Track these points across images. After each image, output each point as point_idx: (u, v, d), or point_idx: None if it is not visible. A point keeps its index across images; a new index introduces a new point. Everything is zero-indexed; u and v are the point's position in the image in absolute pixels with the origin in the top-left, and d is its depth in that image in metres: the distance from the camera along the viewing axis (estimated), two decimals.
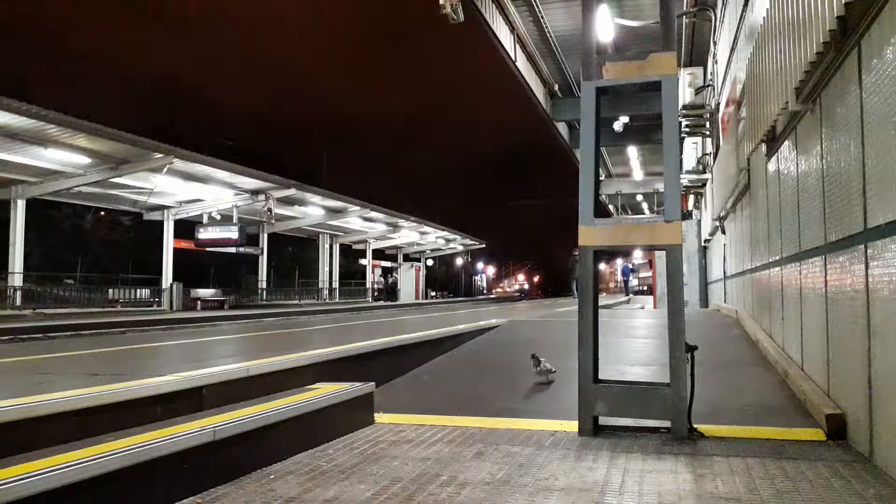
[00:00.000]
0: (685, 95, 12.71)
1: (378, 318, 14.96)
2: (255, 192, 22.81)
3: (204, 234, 23.67)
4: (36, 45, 50.43)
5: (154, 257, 25.15)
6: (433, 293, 51.34)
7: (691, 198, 19.09)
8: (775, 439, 3.33)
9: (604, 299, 24.41)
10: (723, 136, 10.17)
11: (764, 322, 6.57)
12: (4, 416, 2.81)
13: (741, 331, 7.83)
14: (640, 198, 31.88)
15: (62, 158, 16.60)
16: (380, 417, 3.98)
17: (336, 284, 34.61)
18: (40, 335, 11.47)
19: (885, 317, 2.65)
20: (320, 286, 33.74)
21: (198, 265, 34.85)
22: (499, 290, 78.86)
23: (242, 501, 2.53)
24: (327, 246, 33.69)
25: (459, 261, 65.14)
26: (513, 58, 18.26)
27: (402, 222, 33.77)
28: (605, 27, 14.35)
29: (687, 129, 13.28)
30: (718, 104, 12.00)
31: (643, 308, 19.45)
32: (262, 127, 65.71)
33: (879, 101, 2.68)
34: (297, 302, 30.27)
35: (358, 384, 3.89)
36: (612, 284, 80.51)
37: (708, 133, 13.72)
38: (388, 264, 42.07)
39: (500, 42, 17.07)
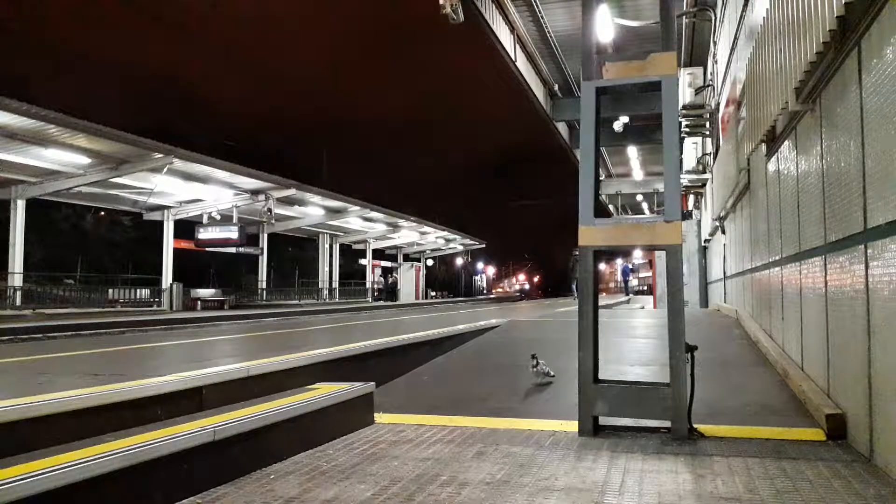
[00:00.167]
0: (685, 95, 12.71)
1: (378, 318, 14.96)
2: (254, 192, 22.81)
3: (204, 234, 23.67)
4: (36, 46, 50.45)
5: (154, 257, 25.14)
6: (433, 293, 51.35)
7: (691, 198, 19.09)
8: (775, 439, 3.33)
9: (604, 299, 24.42)
10: (723, 136, 10.17)
11: (764, 322, 6.57)
12: (5, 416, 2.81)
13: (741, 331, 7.83)
14: (640, 198, 31.87)
15: (62, 158, 16.59)
16: (380, 417, 3.98)
17: (336, 284, 34.61)
18: (40, 335, 11.48)
19: (885, 317, 2.65)
20: (320, 286, 33.74)
21: (198, 265, 34.83)
22: (499, 290, 78.91)
23: (242, 501, 2.53)
24: (327, 246, 33.69)
25: (459, 261, 65.15)
26: (513, 58, 18.26)
27: (402, 222, 33.77)
28: (605, 27, 14.34)
29: (687, 129, 13.28)
30: (718, 104, 12.00)
31: (643, 308, 19.46)
32: (262, 127, 65.74)
33: (879, 101, 2.68)
34: (297, 302, 30.27)
35: (358, 384, 3.89)
36: (612, 284, 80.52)
37: (708, 133, 13.73)
38: (388, 264, 42.06)
39: (500, 42, 17.07)
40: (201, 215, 23.66)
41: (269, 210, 23.28)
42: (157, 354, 6.31)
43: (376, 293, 37.51)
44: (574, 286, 37.74)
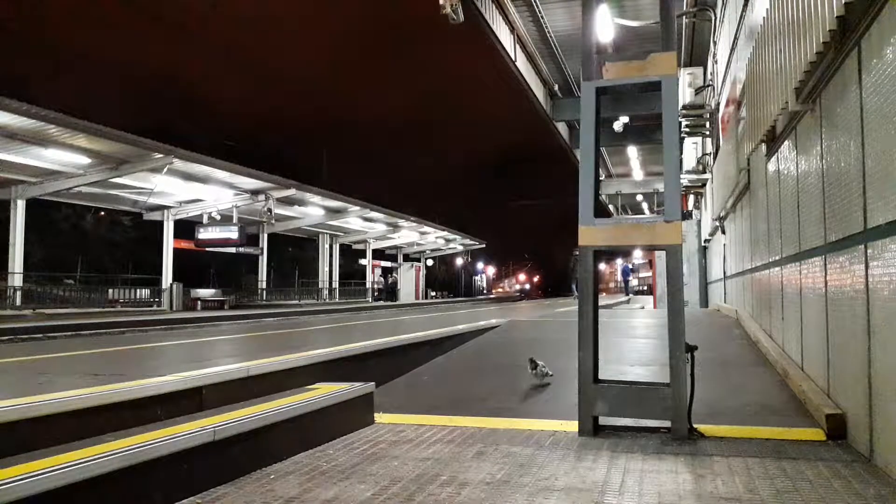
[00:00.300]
0: (685, 95, 12.71)
1: (378, 318, 14.96)
2: (254, 193, 22.81)
3: (204, 234, 23.68)
4: (36, 46, 50.45)
5: (154, 257, 25.14)
6: (433, 293, 51.35)
7: (691, 198, 19.09)
8: (775, 439, 3.33)
9: (604, 299, 24.42)
10: (723, 136, 10.17)
11: (764, 322, 6.57)
12: (5, 416, 2.81)
13: (741, 331, 7.83)
14: (640, 198, 31.86)
15: (62, 158, 16.59)
16: (380, 417, 3.97)
17: (336, 284, 34.61)
18: (40, 335, 11.48)
19: (885, 317, 2.65)
20: (320, 286, 33.74)
21: (198, 265, 34.84)
22: (499, 290, 78.90)
23: (242, 501, 2.53)
24: (327, 246, 33.69)
25: (459, 261, 65.15)
26: (513, 58, 18.25)
27: (402, 222, 33.77)
28: (605, 27, 14.33)
29: (687, 129, 13.28)
30: (718, 104, 12.00)
31: (643, 308, 19.46)
32: (262, 127, 65.75)
33: (879, 101, 2.68)
34: (297, 302, 30.27)
35: (358, 384, 3.89)
36: (612, 284, 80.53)
37: (708, 133, 13.72)
38: (388, 264, 42.06)
39: (500, 42, 17.07)
40: (201, 215, 23.67)
41: (269, 210, 23.28)
42: (156, 354, 6.31)
43: (376, 293, 37.51)
44: (574, 286, 37.75)
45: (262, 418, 3.04)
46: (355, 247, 37.42)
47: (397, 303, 34.67)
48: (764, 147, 5.75)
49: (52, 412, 2.99)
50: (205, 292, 27.31)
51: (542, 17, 17.72)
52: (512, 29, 17.99)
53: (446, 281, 67.14)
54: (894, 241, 2.53)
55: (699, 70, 14.11)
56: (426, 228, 37.90)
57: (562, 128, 25.60)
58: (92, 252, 36.63)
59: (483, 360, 6.49)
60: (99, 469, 2.25)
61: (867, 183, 2.85)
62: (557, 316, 12.31)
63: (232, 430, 2.84)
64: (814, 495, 2.49)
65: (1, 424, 2.77)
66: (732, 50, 9.50)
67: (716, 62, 12.82)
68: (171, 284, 22.81)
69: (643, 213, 32.39)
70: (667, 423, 3.44)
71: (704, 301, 16.69)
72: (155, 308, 22.03)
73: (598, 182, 3.96)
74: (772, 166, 5.61)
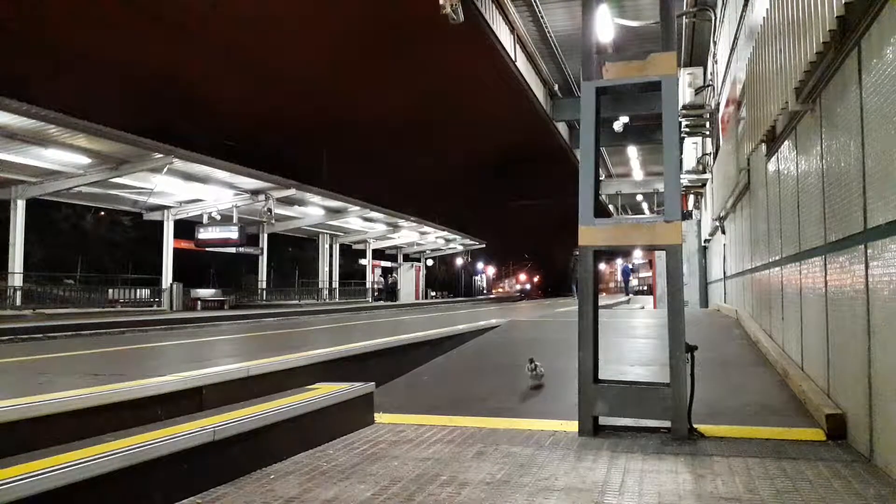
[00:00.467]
0: (685, 95, 12.71)
1: (378, 318, 14.96)
2: (254, 193, 22.81)
3: (204, 234, 23.67)
4: (36, 46, 50.44)
5: (154, 257, 25.14)
6: (433, 293, 51.34)
7: (691, 198, 19.09)
8: (775, 439, 3.33)
9: (604, 299, 24.42)
10: (723, 136, 10.17)
11: (764, 322, 6.57)
12: (5, 416, 2.81)
13: (741, 331, 7.83)
14: (640, 198, 31.86)
15: (62, 158, 16.59)
16: (380, 417, 3.98)
17: (336, 284, 34.61)
18: (40, 335, 11.48)
19: (885, 317, 2.65)
20: (320, 286, 33.74)
21: (198, 265, 34.83)
22: (499, 290, 78.90)
23: (242, 501, 2.53)
24: (327, 246, 33.69)
25: (459, 261, 65.15)
26: (513, 58, 18.25)
27: (402, 222, 33.77)
28: (605, 27, 14.33)
29: (687, 129, 13.28)
30: (718, 104, 12.00)
31: (643, 308, 19.46)
32: (262, 127, 65.75)
33: (879, 101, 2.68)
34: (297, 302, 30.27)
35: (358, 384, 3.89)
36: (612, 284, 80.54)
37: (708, 133, 13.72)
38: (388, 264, 42.06)
39: (500, 42, 17.07)
40: (201, 215, 23.66)
41: (269, 210, 23.28)
42: (157, 354, 6.31)
43: (376, 293, 37.51)
44: (574, 286, 37.75)
45: (262, 418, 3.04)
46: (355, 247, 37.42)
47: (397, 303, 34.67)
48: (764, 147, 5.75)
49: (52, 412, 2.99)
50: (205, 292, 27.31)
51: (542, 17, 17.72)
52: (512, 29, 17.99)
53: (446, 281, 67.14)
54: (894, 241, 2.53)
55: (699, 70, 14.11)
56: (426, 228, 37.90)
57: (562, 128, 25.60)
58: (92, 252, 36.63)
59: (483, 360, 6.49)
60: (99, 469, 2.25)
61: (867, 183, 2.85)
62: (557, 316, 12.31)
63: (232, 430, 2.84)
64: (814, 495, 2.49)
65: (1, 424, 2.77)
66: (732, 50, 9.50)
67: (716, 62, 12.82)
68: (171, 284, 22.81)
69: (643, 213, 32.40)
70: (667, 423, 3.44)
71: (704, 301, 16.69)
72: (155, 308, 22.03)
73: (598, 182, 3.96)
74: (772, 166, 5.61)
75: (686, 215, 19.36)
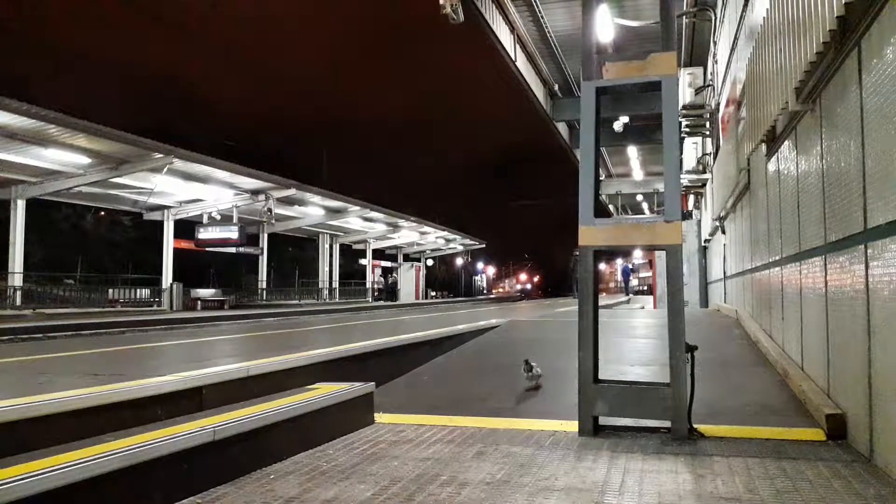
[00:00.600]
0: (685, 95, 12.71)
1: (378, 318, 14.96)
2: (255, 192, 22.82)
3: (204, 234, 23.67)
4: (36, 46, 50.44)
5: (154, 257, 25.14)
6: (433, 293, 51.36)
7: (691, 198, 19.10)
8: (775, 439, 3.33)
9: (604, 299, 24.42)
10: (723, 136, 10.17)
11: (764, 322, 6.57)
12: (5, 416, 2.81)
13: (741, 331, 7.83)
14: (640, 198, 31.87)
15: (62, 158, 16.60)
16: (380, 417, 3.98)
17: (336, 284, 34.61)
18: (40, 335, 11.48)
19: (885, 317, 2.65)
20: (320, 286, 33.74)
21: (198, 265, 34.82)
22: (499, 290, 78.92)
23: (242, 501, 2.53)
24: (327, 246, 33.69)
25: (459, 261, 65.15)
26: (513, 58, 18.25)
27: (402, 222, 33.77)
28: (605, 27, 14.34)
29: (687, 129, 13.28)
30: (718, 104, 12.00)
31: (643, 308, 19.46)
32: (262, 127, 65.74)
33: (879, 101, 2.68)
34: (297, 302, 30.27)
35: (358, 384, 3.89)
36: (612, 284, 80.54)
37: (708, 133, 13.72)
38: (388, 264, 42.06)
39: (500, 42, 17.07)
40: (201, 215, 23.67)
41: (269, 210, 23.28)
42: (156, 354, 6.31)
43: (376, 293, 37.51)
44: (575, 286, 37.76)
45: (262, 418, 3.04)
46: (355, 247, 37.42)
47: (397, 303, 34.67)
48: (764, 147, 5.75)
49: (52, 412, 2.99)
50: (205, 292, 27.31)
51: (542, 17, 17.72)
52: (512, 29, 17.99)
53: (446, 281, 67.14)
54: (894, 241, 2.53)
55: (699, 70, 14.11)
56: (426, 228, 37.90)
57: (562, 128, 25.60)
58: (92, 252, 36.63)
59: (483, 360, 6.49)
60: (99, 469, 2.25)
61: (867, 183, 2.85)
62: (557, 316, 12.31)
63: (232, 430, 2.84)
64: (814, 495, 2.49)
65: (1, 424, 2.77)
66: (732, 50, 9.50)
67: (716, 62, 12.82)
68: (171, 284, 22.81)
69: (643, 213, 32.40)
70: (667, 423, 3.44)
71: (704, 301, 16.69)
72: (155, 308, 22.03)
73: (598, 182, 3.96)
74: (772, 166, 5.61)
75: (686, 215, 19.37)
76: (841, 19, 2.92)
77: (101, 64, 54.78)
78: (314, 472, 2.91)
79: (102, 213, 36.62)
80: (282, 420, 3.15)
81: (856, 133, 2.98)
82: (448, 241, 44.41)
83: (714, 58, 13.10)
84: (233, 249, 25.65)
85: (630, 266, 48.04)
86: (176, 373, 4.05)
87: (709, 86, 13.54)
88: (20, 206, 18.28)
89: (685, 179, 15.10)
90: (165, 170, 17.91)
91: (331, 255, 34.19)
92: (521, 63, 19.28)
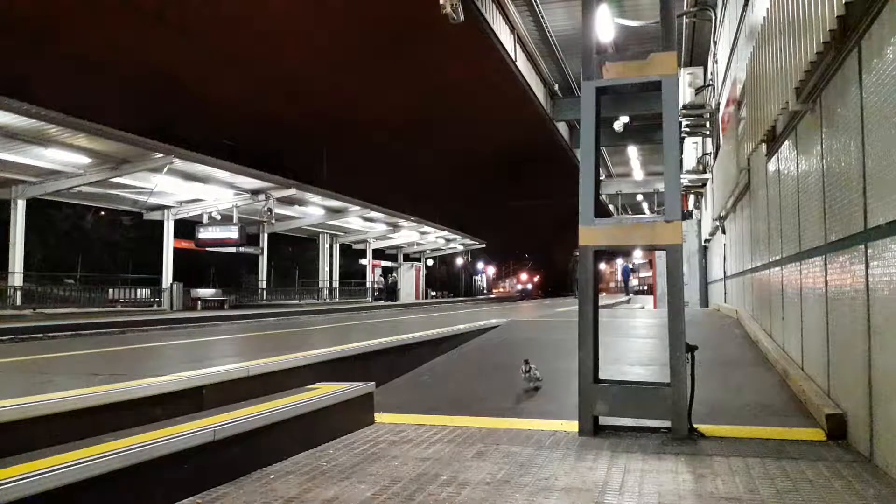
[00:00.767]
0: (685, 95, 12.72)
1: (378, 318, 14.96)
2: (255, 192, 22.82)
3: (204, 234, 23.67)
4: (36, 46, 50.43)
5: (154, 257, 25.15)
6: (433, 293, 51.35)
7: (691, 198, 19.10)
8: (775, 439, 3.33)
9: (604, 299, 24.41)
10: (723, 136, 10.17)
11: (764, 322, 6.57)
12: (4, 416, 2.81)
13: (741, 331, 7.82)
14: (640, 198, 31.89)
15: (62, 158, 16.60)
16: (380, 417, 3.97)
17: (336, 284, 34.61)
18: (40, 335, 11.48)
19: (885, 317, 2.65)
20: (320, 286, 33.75)
21: (198, 265, 34.84)
22: (499, 290, 78.90)
23: (242, 501, 2.53)
24: (327, 246, 33.69)
25: (459, 261, 65.16)
26: (513, 58, 18.25)
27: (402, 222, 33.78)
28: (605, 27, 14.34)
29: (687, 129, 13.29)
30: (718, 104, 12.00)
31: (643, 308, 19.45)
32: (262, 127, 65.75)
33: (880, 101, 2.68)
34: (297, 302, 30.28)
35: (358, 384, 3.89)
36: (612, 284, 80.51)
37: (708, 133, 13.73)
38: (388, 264, 42.06)
39: (500, 42, 17.06)
40: (201, 215, 23.67)
41: (270, 210, 23.29)
42: (157, 354, 6.30)
43: (376, 293, 37.51)
44: (575, 286, 37.77)
45: (262, 418, 3.04)
46: (355, 247, 37.43)
47: (397, 303, 34.67)
48: (764, 147, 5.75)
49: (52, 412, 2.99)
50: (205, 292, 27.30)
51: (542, 16, 17.72)
52: (512, 29, 17.99)
53: (446, 281, 67.14)
54: (894, 241, 2.53)
55: (699, 70, 14.12)
56: (426, 228, 37.91)
57: (562, 128, 25.60)
58: (92, 252, 36.64)
59: (483, 360, 6.49)
60: (99, 469, 2.25)
61: (867, 183, 2.85)
62: (557, 316, 12.31)
63: (232, 430, 2.84)
64: (814, 495, 2.49)
65: (1, 424, 2.77)
66: (732, 50, 9.50)
67: (716, 62, 12.82)
68: (172, 284, 22.81)
69: (643, 213, 32.41)
70: (667, 423, 3.44)
71: (705, 301, 16.69)
72: (155, 308, 22.03)
73: (598, 182, 3.96)
74: (772, 166, 5.61)
75: (686, 215, 19.37)
76: (841, 19, 2.92)
77: (101, 64, 54.80)
78: (314, 471, 2.91)
79: (102, 212, 36.63)
80: (282, 420, 3.15)
81: (856, 133, 2.98)
82: (448, 240, 44.42)
83: (714, 58, 13.10)
84: (233, 249, 25.64)
85: (630, 266, 48.03)
86: (176, 373, 4.05)
87: (709, 86, 13.54)
88: (20, 206, 18.28)
89: (685, 179, 15.11)
90: (165, 170, 17.91)
91: (331, 255, 34.20)
92: (522, 63, 19.28)
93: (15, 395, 3.16)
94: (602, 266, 69.93)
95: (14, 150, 15.56)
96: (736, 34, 8.93)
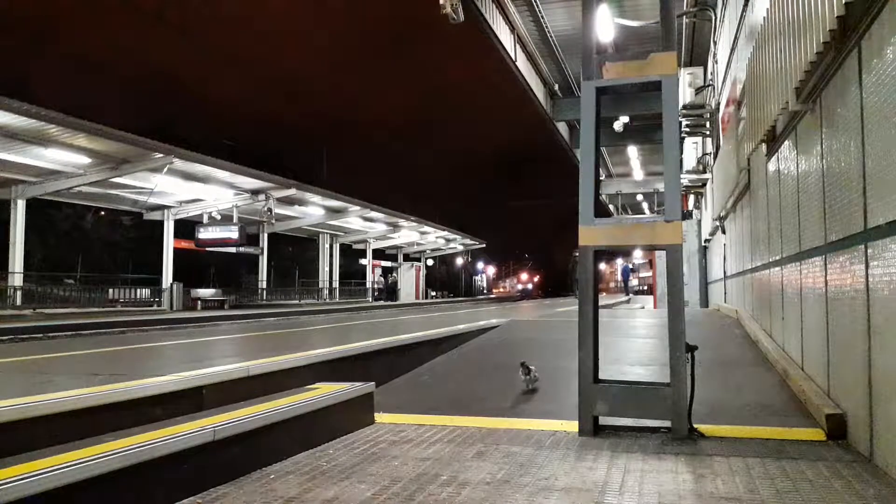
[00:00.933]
0: (685, 95, 12.72)
1: (378, 318, 14.95)
2: (255, 192, 22.82)
3: (204, 233, 23.67)
4: (36, 46, 50.43)
5: (154, 257, 25.15)
6: (433, 293, 51.36)
7: (691, 198, 19.10)
8: (775, 439, 3.33)
9: (604, 299, 24.41)
10: (723, 136, 10.17)
11: (764, 322, 6.57)
12: (4, 416, 2.81)
13: (741, 331, 7.82)
14: (640, 198, 31.90)
15: (62, 158, 16.60)
16: (380, 417, 3.97)
17: (336, 284, 34.61)
18: (40, 335, 11.48)
19: (885, 317, 2.65)
20: (320, 286, 33.75)
21: (198, 265, 34.84)
22: (499, 289, 78.89)
23: (242, 501, 2.53)
24: (327, 246, 33.69)
25: (460, 261, 65.15)
26: (513, 58, 18.26)
27: (402, 222, 33.78)
28: (605, 27, 14.35)
29: (687, 129, 13.29)
30: (718, 104, 12.00)
31: (643, 308, 19.45)
32: (262, 127, 65.73)
33: (880, 101, 2.68)
34: (297, 302, 30.28)
35: (358, 384, 3.89)
36: (612, 284, 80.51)
37: (708, 133, 13.73)
38: (388, 264, 42.07)
39: (500, 42, 17.07)
40: (201, 215, 23.67)
41: (270, 210, 23.28)
42: (157, 354, 6.30)
43: (376, 293, 37.51)
44: (575, 286, 37.79)
45: (262, 418, 3.04)
46: (355, 247, 37.43)
47: (397, 303, 34.68)
48: (764, 147, 5.75)
49: (52, 412, 2.99)
50: (205, 292, 27.30)
51: (542, 16, 17.72)
52: (512, 29, 17.99)
53: (446, 281, 67.13)
54: (894, 241, 2.53)
55: (699, 70, 14.12)
56: (426, 228, 37.91)
57: (562, 128, 25.61)
58: (92, 252, 36.64)
59: (483, 360, 6.49)
60: (99, 469, 2.25)
61: (867, 183, 2.85)
62: (557, 316, 12.31)
63: (232, 430, 2.84)
64: (814, 495, 2.49)
65: (1, 424, 2.77)
66: (732, 50, 9.50)
67: (716, 62, 12.82)
68: (171, 284, 22.81)
69: (643, 213, 32.41)
70: (667, 423, 3.44)
71: (705, 301, 16.69)
72: (155, 308, 22.03)
73: (598, 182, 3.96)
74: (772, 166, 5.61)
75: (686, 215, 19.37)
76: (841, 19, 2.92)
77: (101, 64, 54.80)
78: (314, 471, 2.91)
79: (102, 212, 36.63)
80: (282, 420, 3.15)
81: (856, 133, 2.98)
82: (448, 240, 44.42)
83: (714, 58, 13.10)
84: (233, 249, 25.64)
85: (630, 266, 48.03)
86: (176, 373, 4.05)
87: (709, 86, 13.54)
88: (20, 205, 18.28)
89: (685, 179, 15.11)
90: (165, 169, 17.91)
91: (331, 255, 34.20)
92: (522, 63, 19.28)
93: (15, 395, 3.16)
94: (602, 266, 69.94)
95: (14, 150, 15.56)
96: (736, 34, 8.93)
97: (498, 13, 16.92)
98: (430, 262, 49.63)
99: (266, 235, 28.61)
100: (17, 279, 18.33)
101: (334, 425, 3.56)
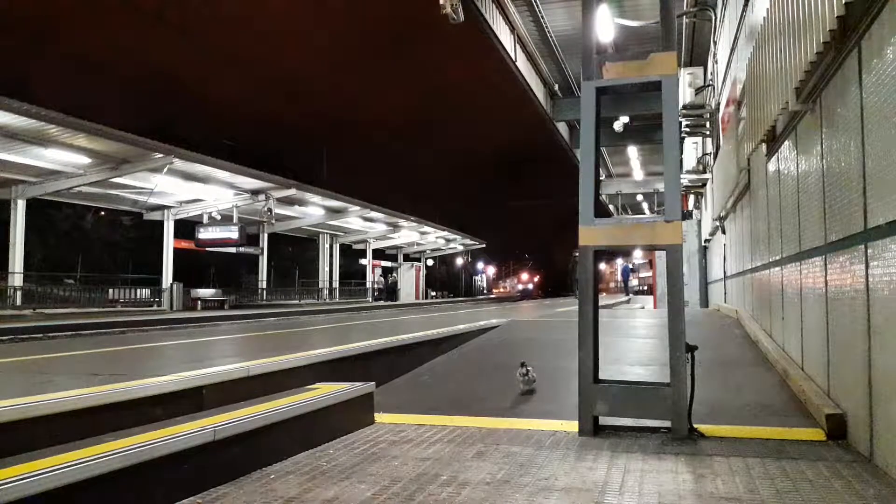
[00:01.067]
0: (685, 95, 12.72)
1: (378, 318, 14.95)
2: (255, 192, 22.82)
3: (204, 234, 23.67)
4: (36, 46, 50.42)
5: (154, 257, 25.16)
6: (433, 293, 51.36)
7: (691, 198, 19.10)
8: (775, 439, 3.33)
9: (604, 299, 24.41)
10: (723, 136, 10.17)
11: (764, 322, 6.57)
12: (4, 416, 2.81)
13: (741, 331, 7.82)
14: (640, 198, 31.89)
15: (62, 158, 16.60)
16: (380, 417, 3.98)
17: (336, 284, 34.62)
18: (40, 335, 11.48)
19: (885, 317, 2.65)
20: (320, 286, 33.75)
21: (198, 265, 34.84)
22: (499, 290, 78.89)
23: (242, 501, 2.53)
24: (327, 246, 33.70)
25: (460, 261, 65.16)
26: (513, 58, 18.26)
27: (402, 222, 33.78)
28: (605, 27, 14.35)
29: (687, 129, 13.29)
30: (718, 104, 12.01)
31: (643, 308, 19.45)
32: (262, 127, 65.73)
33: (880, 101, 2.68)
34: (297, 302, 30.28)
35: (358, 384, 3.89)
36: (612, 284, 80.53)
37: (708, 133, 13.73)
38: (388, 264, 42.07)
39: (500, 42, 17.07)
40: (201, 215, 23.67)
41: (270, 210, 23.29)
42: (157, 354, 6.30)
43: (376, 293, 37.52)
44: (574, 286, 37.81)
45: (262, 418, 3.04)
46: (355, 247, 37.43)
47: (397, 303, 34.68)
48: (764, 147, 5.75)
49: (52, 412, 2.99)
50: (205, 292, 27.30)
51: (542, 16, 17.72)
52: (512, 29, 17.99)
53: (446, 281, 67.13)
54: (894, 241, 2.53)
55: (699, 70, 14.12)
56: (426, 228, 37.91)
57: (562, 128, 25.61)
58: (92, 252, 36.64)
59: (483, 360, 6.49)
60: (99, 469, 2.25)
61: (867, 183, 2.85)
62: (557, 316, 12.31)
63: (232, 430, 2.84)
64: (814, 495, 2.49)
65: (1, 424, 2.77)
66: (732, 50, 9.50)
67: (716, 62, 12.82)
68: (172, 284, 22.81)
69: (643, 213, 32.42)
70: (667, 423, 3.44)
71: (705, 301, 16.70)
72: (155, 308, 22.04)
73: (598, 182, 3.96)
74: (772, 166, 5.61)
75: (686, 215, 19.38)
76: (841, 19, 2.92)
77: (101, 64, 54.80)
78: (314, 471, 2.91)
79: (102, 213, 36.63)
80: (282, 420, 3.15)
81: (856, 133, 2.98)
82: (448, 241, 44.43)
83: (714, 58, 13.10)
84: (233, 249, 25.65)
85: (630, 266, 48.05)
86: (176, 373, 4.05)
87: (709, 86, 13.54)
88: (20, 206, 18.29)
89: (685, 179, 15.11)
90: (165, 170, 17.91)
91: (331, 255, 34.20)
92: (521, 63, 19.28)
93: (15, 395, 3.16)
94: (602, 266, 69.96)
95: (14, 150, 15.57)
96: (736, 34, 8.93)
97: (498, 13, 16.92)
98: (430, 263, 49.63)
99: (266, 235, 28.61)
100: (17, 279, 18.33)
101: (334, 425, 3.56)
